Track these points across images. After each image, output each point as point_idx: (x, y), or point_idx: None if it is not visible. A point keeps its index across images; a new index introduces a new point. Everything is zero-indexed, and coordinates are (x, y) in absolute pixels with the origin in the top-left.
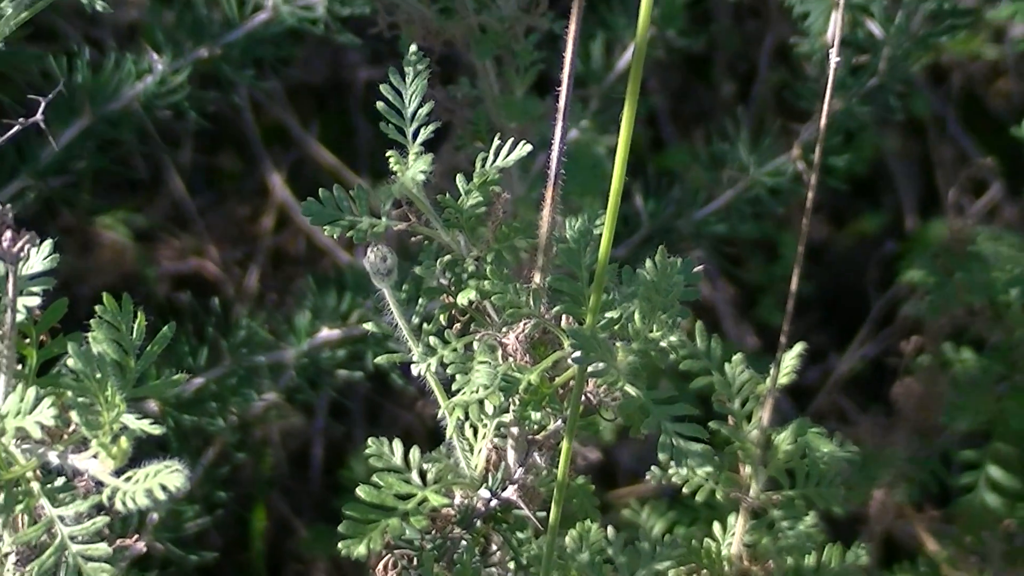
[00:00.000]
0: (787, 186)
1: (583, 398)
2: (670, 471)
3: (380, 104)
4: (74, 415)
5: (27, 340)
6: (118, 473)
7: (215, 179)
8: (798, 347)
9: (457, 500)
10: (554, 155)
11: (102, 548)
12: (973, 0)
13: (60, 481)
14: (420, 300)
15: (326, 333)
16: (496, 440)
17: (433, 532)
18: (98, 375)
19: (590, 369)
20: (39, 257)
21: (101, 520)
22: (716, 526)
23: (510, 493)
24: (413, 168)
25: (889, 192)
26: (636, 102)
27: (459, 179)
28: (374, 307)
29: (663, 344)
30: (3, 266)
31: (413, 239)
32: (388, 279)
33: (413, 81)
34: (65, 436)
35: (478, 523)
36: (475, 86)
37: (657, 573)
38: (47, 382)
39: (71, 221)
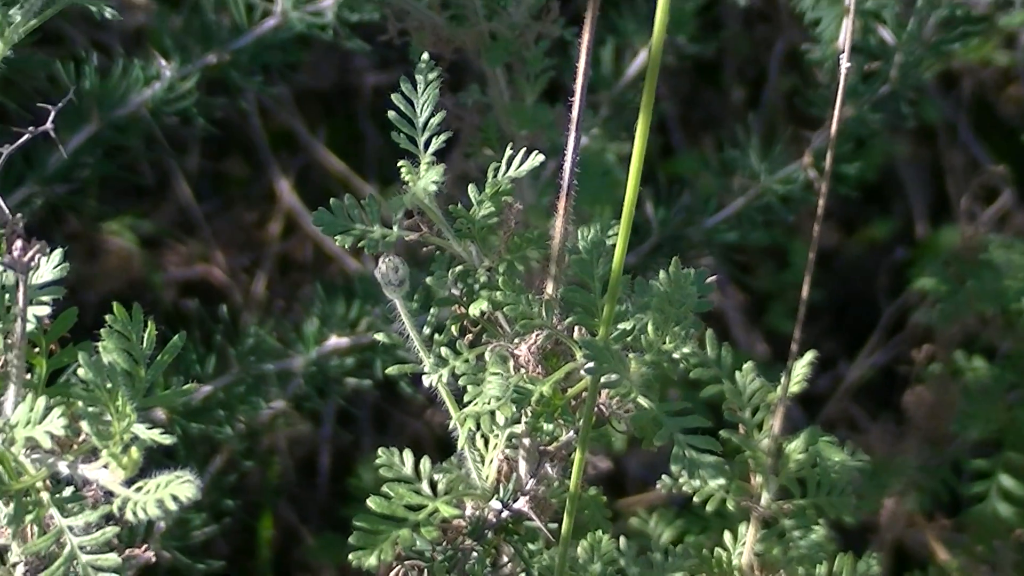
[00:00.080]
0: (798, 194)
1: (595, 409)
2: (681, 481)
3: (391, 113)
4: (84, 425)
5: (36, 349)
6: (128, 483)
7: (222, 185)
8: (809, 355)
9: (468, 511)
10: (567, 166)
11: (111, 558)
12: (985, 6)
13: (69, 491)
14: (432, 310)
15: (334, 341)
16: (507, 451)
17: (444, 543)
18: (108, 385)
19: (603, 380)
20: (49, 266)
21: (111, 530)
22: (727, 535)
23: (521, 504)
24: (425, 178)
25: (900, 199)
26: (650, 114)
27: (471, 189)
28: (384, 316)
29: (676, 355)
30: (13, 275)
31: (424, 249)
32: (400, 290)
33: (425, 90)
34: (75, 446)
35: (489, 534)
36: (485, 93)
37: None
38: (57, 391)
39: (78, 227)
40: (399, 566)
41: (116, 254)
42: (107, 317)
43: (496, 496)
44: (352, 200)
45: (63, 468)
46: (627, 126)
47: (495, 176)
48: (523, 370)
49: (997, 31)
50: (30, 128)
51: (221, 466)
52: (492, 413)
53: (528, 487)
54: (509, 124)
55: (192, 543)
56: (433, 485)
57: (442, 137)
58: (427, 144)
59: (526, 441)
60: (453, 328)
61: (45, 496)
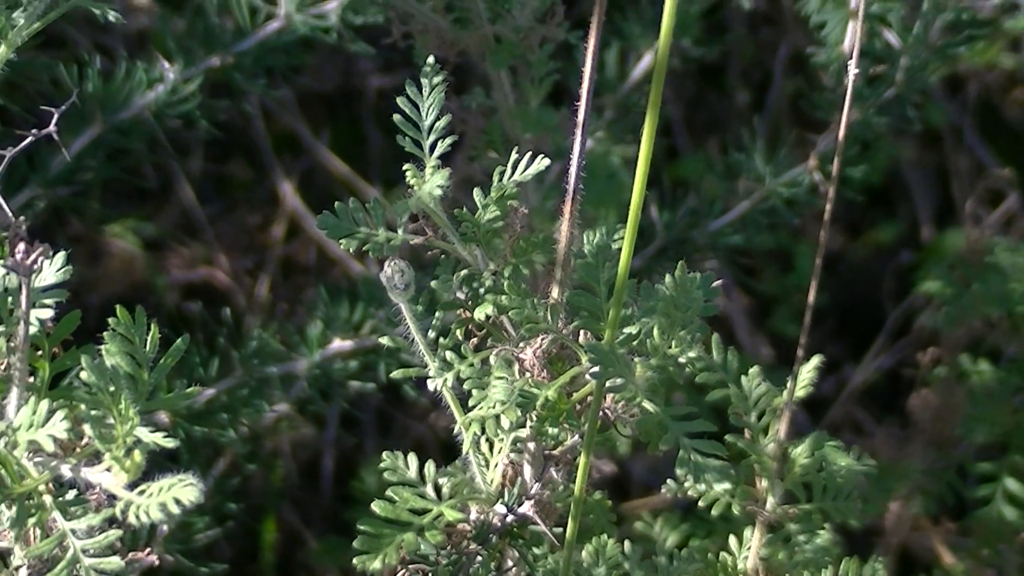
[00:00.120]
0: (803, 197)
1: (600, 413)
2: (686, 485)
3: (396, 116)
4: (87, 428)
5: (39, 352)
6: (131, 486)
7: (225, 188)
8: (815, 360)
9: (473, 515)
10: (572, 169)
11: (114, 562)
12: (990, 10)
13: (72, 494)
14: (436, 314)
15: (338, 344)
16: (512, 455)
17: (448, 547)
18: (111, 388)
19: (608, 385)
20: (52, 269)
21: (114, 533)
22: (732, 540)
23: (526, 508)
24: (430, 182)
25: (905, 202)
26: (657, 116)
27: (476, 193)
28: (388, 319)
29: (682, 359)
30: (16, 278)
31: (429, 252)
32: (405, 293)
33: (430, 93)
34: (78, 449)
35: (494, 538)
36: (489, 96)
37: None
38: (59, 395)
39: (80, 230)
40: (403, 570)
41: (119, 257)
42: (110, 320)
43: (501, 500)
44: (356, 203)
45: (66, 471)
46: (632, 129)
47: (500, 180)
48: (528, 374)
49: (1003, 34)
50: (33, 131)
51: (224, 469)
52: (497, 417)
53: (533, 491)
54: (514, 127)
55: (195, 546)
56: (437, 489)
57: (447, 140)
58: (432, 147)
59: (531, 445)
60: (458, 332)
61: (48, 499)
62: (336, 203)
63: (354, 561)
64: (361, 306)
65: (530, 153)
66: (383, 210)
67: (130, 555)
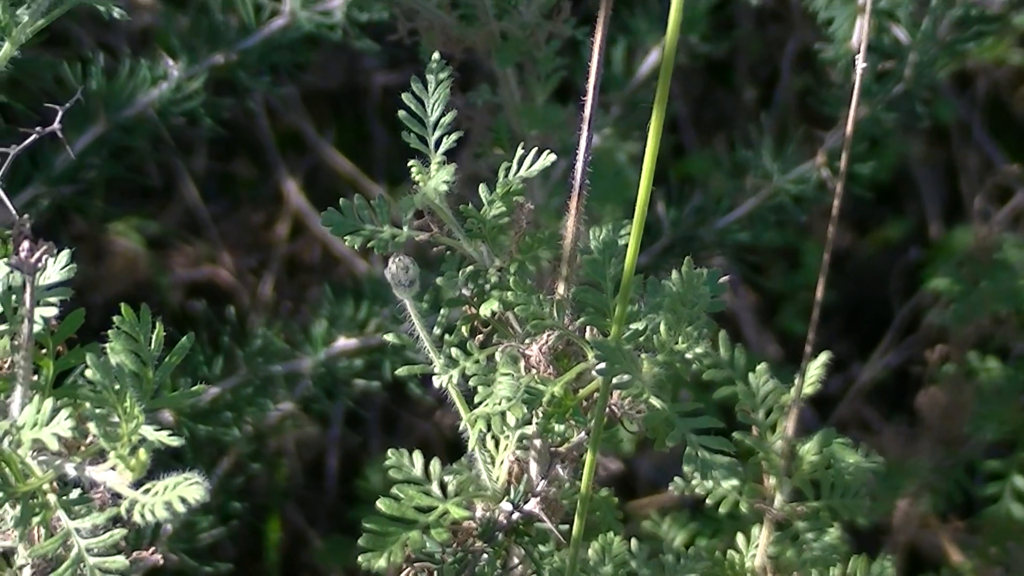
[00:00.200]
0: (811, 194)
1: (607, 410)
2: (693, 482)
3: (402, 112)
4: (92, 427)
5: (43, 351)
6: (136, 485)
7: (229, 186)
8: (823, 357)
9: (478, 513)
10: (579, 165)
11: (119, 561)
12: (999, 6)
13: (77, 493)
14: (442, 311)
15: (343, 342)
16: (518, 452)
17: (454, 545)
18: (116, 386)
19: (615, 381)
20: (56, 267)
21: (118, 532)
22: (740, 538)
23: (532, 506)
24: (436, 178)
25: (913, 199)
26: (663, 113)
27: (482, 189)
28: (393, 317)
29: (688, 356)
30: (20, 276)
31: (435, 249)
32: (410, 290)
33: (436, 89)
34: (82, 448)
35: (500, 536)
36: (496, 93)
37: None
38: (64, 393)
39: (84, 228)
40: (408, 568)
41: (123, 255)
42: (114, 318)
43: (507, 498)
44: (361, 200)
45: (70, 470)
46: (639, 126)
47: (506, 176)
48: (534, 371)
49: (1012, 30)
50: (37, 129)
51: (229, 468)
52: (503, 414)
53: (539, 489)
54: (520, 124)
55: (199, 545)
56: (443, 487)
57: (453, 137)
58: (438, 144)
59: (537, 442)
60: (464, 329)
61: (52, 498)
62: (341, 200)
63: (359, 559)
64: (366, 304)
65: (536, 149)
66: (388, 207)
67: (134, 554)
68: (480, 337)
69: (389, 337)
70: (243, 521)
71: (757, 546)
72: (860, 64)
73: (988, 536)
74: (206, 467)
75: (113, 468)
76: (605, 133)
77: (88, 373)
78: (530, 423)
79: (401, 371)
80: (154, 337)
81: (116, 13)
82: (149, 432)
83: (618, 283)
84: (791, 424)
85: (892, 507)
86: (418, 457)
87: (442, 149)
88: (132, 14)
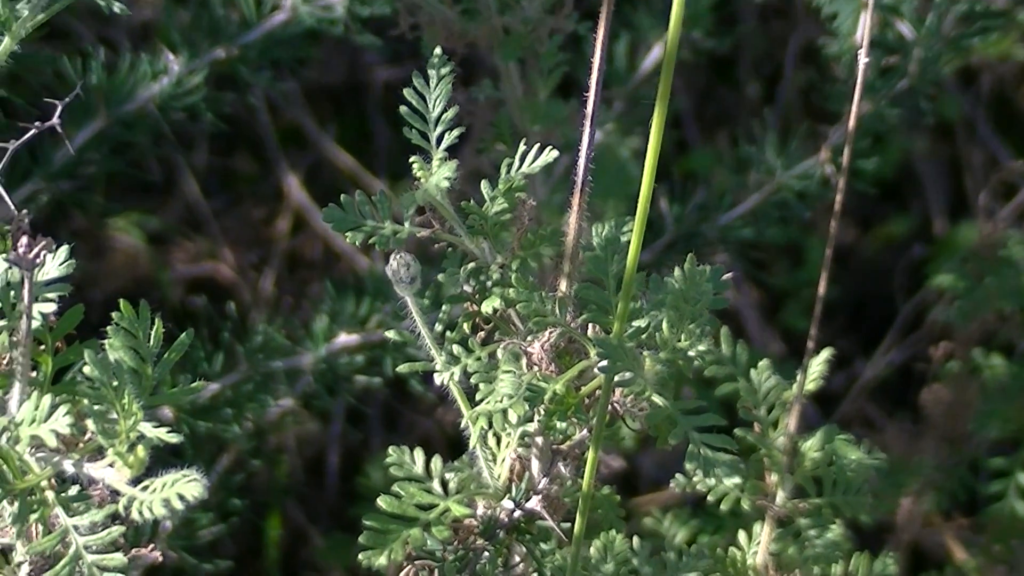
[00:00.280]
0: (814, 190)
1: (609, 407)
2: (695, 479)
3: (403, 108)
4: (90, 423)
5: (42, 347)
6: (134, 482)
7: (230, 181)
8: (825, 353)
9: (480, 510)
10: (581, 161)
11: (117, 558)
12: (1004, 1)
13: (75, 490)
14: (443, 307)
15: (344, 338)
16: (520, 450)
17: (455, 543)
18: (115, 383)
19: (617, 378)
20: (54, 263)
21: (117, 530)
22: (742, 535)
23: (534, 503)
24: (437, 174)
25: (917, 195)
26: (666, 109)
27: (484, 185)
28: (394, 313)
29: (691, 353)
30: (19, 272)
31: (436, 246)
32: (411, 287)
33: (438, 85)
34: (81, 444)
35: (501, 534)
36: (498, 88)
37: None
38: (62, 389)
39: (84, 224)
40: (409, 566)
41: (123, 251)
42: (114, 314)
43: (508, 495)
44: (363, 196)
45: (68, 467)
46: (642, 122)
47: (508, 172)
48: (536, 368)
49: (1016, 26)
50: (36, 124)
51: (228, 465)
52: (504, 411)
53: (541, 486)
54: (522, 120)
55: (199, 543)
56: (444, 484)
57: (455, 132)
58: (439, 139)
59: (539, 440)
60: (465, 326)
61: (50, 495)
62: (342, 196)
63: (360, 557)
64: (367, 300)
65: (538, 145)
66: (389, 203)
67: (133, 552)
68: (482, 334)
69: (390, 334)
70: (243, 518)
71: (759, 543)
72: (864, 60)
73: (992, 534)
74: (206, 464)
75: (112, 465)
76: (608, 129)
77: (87, 370)
78: (532, 421)
79: (402, 368)
80: (153, 333)
81: (116, 7)
82: (148, 429)
83: (620, 280)
84: (793, 421)
85: (895, 505)
86: (419, 454)
87: (444, 145)
88: (132, 8)
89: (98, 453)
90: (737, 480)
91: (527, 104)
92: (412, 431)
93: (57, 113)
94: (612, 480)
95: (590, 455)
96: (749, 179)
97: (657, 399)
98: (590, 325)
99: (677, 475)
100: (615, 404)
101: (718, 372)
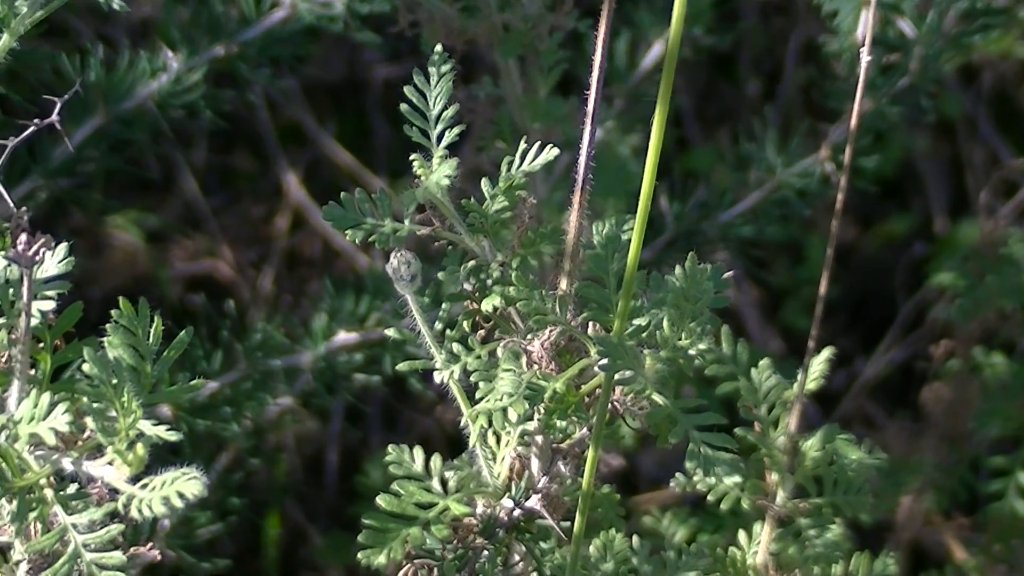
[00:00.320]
0: (815, 188)
1: (609, 406)
2: (695, 478)
3: (403, 106)
4: (89, 421)
5: (41, 345)
6: (133, 480)
7: (229, 179)
8: (826, 352)
9: (479, 509)
10: (582, 159)
11: (116, 556)
12: None
13: (74, 488)
14: (443, 305)
15: (343, 337)
16: (520, 448)
17: (454, 542)
18: (114, 381)
19: (617, 377)
20: (54, 260)
21: (116, 528)
22: (742, 534)
23: (534, 502)
24: (438, 172)
25: (918, 193)
26: (667, 106)
27: (484, 183)
28: (394, 311)
29: (691, 352)
30: (18, 269)
31: (436, 244)
32: (411, 285)
33: (438, 82)
34: (79, 442)
35: (501, 533)
36: (498, 86)
37: None
38: (61, 387)
39: (82, 222)
40: (409, 565)
41: (121, 249)
42: (113, 312)
43: (508, 494)
44: (363, 194)
45: (67, 465)
46: (642, 119)
47: (508, 170)
48: (536, 366)
49: (1018, 23)
50: (35, 121)
51: (227, 463)
52: (504, 410)
53: (540, 485)
54: (522, 117)
55: (197, 541)
56: (444, 483)
57: (455, 130)
58: (440, 137)
59: (539, 438)
60: (465, 324)
61: (49, 493)
62: (342, 194)
63: (359, 555)
64: (367, 298)
65: (539, 143)
66: (389, 201)
67: (132, 550)
68: (482, 332)
69: (390, 332)
70: (242, 517)
71: (759, 543)
72: (865, 57)
73: (992, 533)
74: (204, 462)
75: (111, 463)
76: (608, 126)
77: (86, 367)
78: (532, 419)
79: (402, 366)
80: (152, 331)
81: (115, 4)
82: (147, 427)
83: (621, 278)
84: (794, 420)
85: (896, 504)
86: (419, 453)
87: (444, 143)
88: (131, 5)
89: (97, 451)
90: (737, 479)
91: (527, 102)
92: (411, 429)
93: (56, 110)
94: (612, 479)
95: (590, 454)
96: (750, 177)
97: (657, 398)
98: (590, 323)
99: (677, 474)
100: (615, 402)
101: (718, 371)
